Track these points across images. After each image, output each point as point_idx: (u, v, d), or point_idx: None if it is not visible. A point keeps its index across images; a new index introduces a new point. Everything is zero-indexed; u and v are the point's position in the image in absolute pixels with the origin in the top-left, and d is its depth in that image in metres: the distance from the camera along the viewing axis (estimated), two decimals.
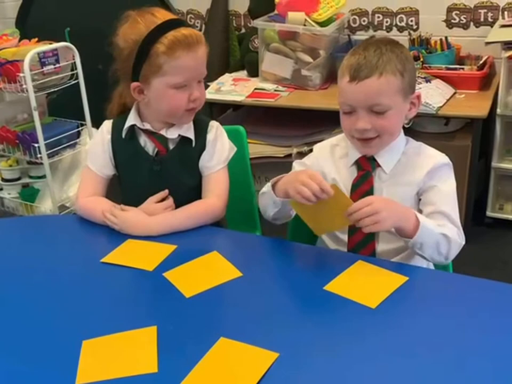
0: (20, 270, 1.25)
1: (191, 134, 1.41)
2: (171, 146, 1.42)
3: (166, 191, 1.40)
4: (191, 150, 1.42)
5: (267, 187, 1.33)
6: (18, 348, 0.99)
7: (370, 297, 1.07)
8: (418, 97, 1.30)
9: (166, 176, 1.41)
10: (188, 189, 1.43)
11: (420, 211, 1.28)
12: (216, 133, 1.45)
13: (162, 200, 1.40)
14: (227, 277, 1.17)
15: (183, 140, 1.42)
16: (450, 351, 0.94)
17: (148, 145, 1.42)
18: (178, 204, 1.39)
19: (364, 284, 1.12)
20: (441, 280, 1.18)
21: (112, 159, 1.45)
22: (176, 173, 1.42)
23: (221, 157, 1.44)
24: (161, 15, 1.32)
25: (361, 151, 1.32)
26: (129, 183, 1.47)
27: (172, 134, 1.40)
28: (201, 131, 1.43)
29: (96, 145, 1.47)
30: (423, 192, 1.29)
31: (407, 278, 1.12)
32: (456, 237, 1.24)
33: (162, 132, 1.40)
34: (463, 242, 1.27)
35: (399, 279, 1.12)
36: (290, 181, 1.21)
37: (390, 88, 1.22)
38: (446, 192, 1.28)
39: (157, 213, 1.35)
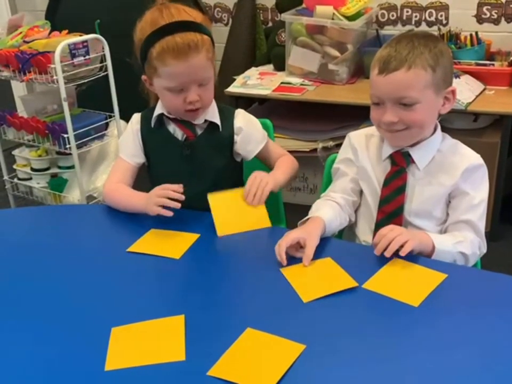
0: (48, 258, 1.28)
1: (216, 119, 1.47)
2: (199, 132, 1.47)
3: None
4: (218, 135, 1.47)
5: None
6: (49, 335, 1.02)
7: (412, 295, 1.06)
8: (453, 92, 1.28)
9: (196, 160, 1.46)
10: (217, 172, 1.47)
11: (447, 214, 1.30)
12: (244, 118, 1.51)
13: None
14: None
15: (210, 126, 1.47)
16: (500, 350, 0.93)
17: (177, 132, 1.47)
18: (207, 187, 1.41)
19: (403, 282, 1.11)
20: (482, 279, 1.17)
21: (142, 147, 1.50)
22: (205, 156, 1.46)
23: (258, 137, 1.51)
24: (168, 16, 1.34)
25: (391, 143, 1.31)
26: (160, 169, 1.51)
27: (198, 120, 1.46)
28: (226, 117, 1.48)
29: (126, 136, 1.53)
30: (455, 196, 1.29)
31: (446, 275, 1.11)
32: (476, 250, 1.27)
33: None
34: (484, 251, 1.30)
35: (438, 277, 1.11)
36: None
37: (418, 82, 1.21)
38: (477, 202, 1.27)
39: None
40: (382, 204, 1.31)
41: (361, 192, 1.38)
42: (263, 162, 1.56)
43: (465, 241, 1.24)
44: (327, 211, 1.30)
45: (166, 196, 1.32)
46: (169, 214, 1.30)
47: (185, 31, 1.33)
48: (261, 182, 1.36)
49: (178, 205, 1.31)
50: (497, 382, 0.88)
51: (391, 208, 1.29)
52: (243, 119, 1.50)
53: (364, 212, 1.38)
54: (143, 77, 1.44)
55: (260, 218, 1.33)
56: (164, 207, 1.31)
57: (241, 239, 1.30)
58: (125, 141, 1.52)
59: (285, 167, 1.50)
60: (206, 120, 1.46)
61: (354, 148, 1.38)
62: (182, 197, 1.32)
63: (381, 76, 1.23)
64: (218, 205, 1.33)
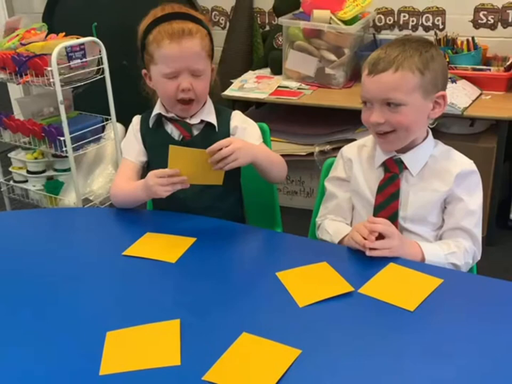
0: (43, 261, 1.27)
1: (213, 119, 1.48)
2: (195, 132, 1.49)
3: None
4: (214, 135, 1.47)
5: (330, 239, 1.35)
6: (43, 338, 1.01)
7: (408, 299, 1.06)
8: (444, 97, 1.28)
9: None
10: None
11: (443, 220, 1.30)
12: (241, 119, 1.52)
13: None
14: None
15: (207, 126, 1.49)
16: (496, 354, 0.93)
17: (174, 132, 1.49)
18: (203, 187, 1.40)
19: (399, 287, 1.11)
20: (477, 284, 1.16)
21: (143, 147, 1.52)
22: None
23: (255, 135, 1.50)
24: (169, 11, 1.40)
25: (381, 148, 1.32)
26: (157, 168, 1.49)
27: (194, 120, 1.48)
28: (223, 118, 1.50)
29: (129, 138, 1.55)
30: (450, 202, 1.29)
31: (442, 280, 1.11)
32: (469, 259, 1.27)
33: (186, 119, 1.48)
34: (479, 258, 1.31)
35: (434, 282, 1.11)
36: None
37: (405, 84, 1.22)
38: (472, 208, 1.28)
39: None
40: (376, 210, 1.31)
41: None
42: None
43: (459, 252, 1.25)
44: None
45: (170, 183, 1.32)
46: (186, 185, 1.32)
47: (183, 20, 1.38)
48: (229, 156, 1.29)
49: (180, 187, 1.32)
50: None
51: (386, 215, 1.29)
52: (239, 120, 1.51)
53: (357, 221, 1.37)
54: (143, 71, 1.47)
55: (215, 176, 1.32)
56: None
57: (238, 242, 1.30)
58: (127, 142, 1.55)
59: (273, 155, 1.47)
60: (202, 121, 1.48)
61: (348, 159, 1.39)
62: (187, 186, 1.33)
63: (370, 77, 1.25)
64: (176, 157, 1.30)
